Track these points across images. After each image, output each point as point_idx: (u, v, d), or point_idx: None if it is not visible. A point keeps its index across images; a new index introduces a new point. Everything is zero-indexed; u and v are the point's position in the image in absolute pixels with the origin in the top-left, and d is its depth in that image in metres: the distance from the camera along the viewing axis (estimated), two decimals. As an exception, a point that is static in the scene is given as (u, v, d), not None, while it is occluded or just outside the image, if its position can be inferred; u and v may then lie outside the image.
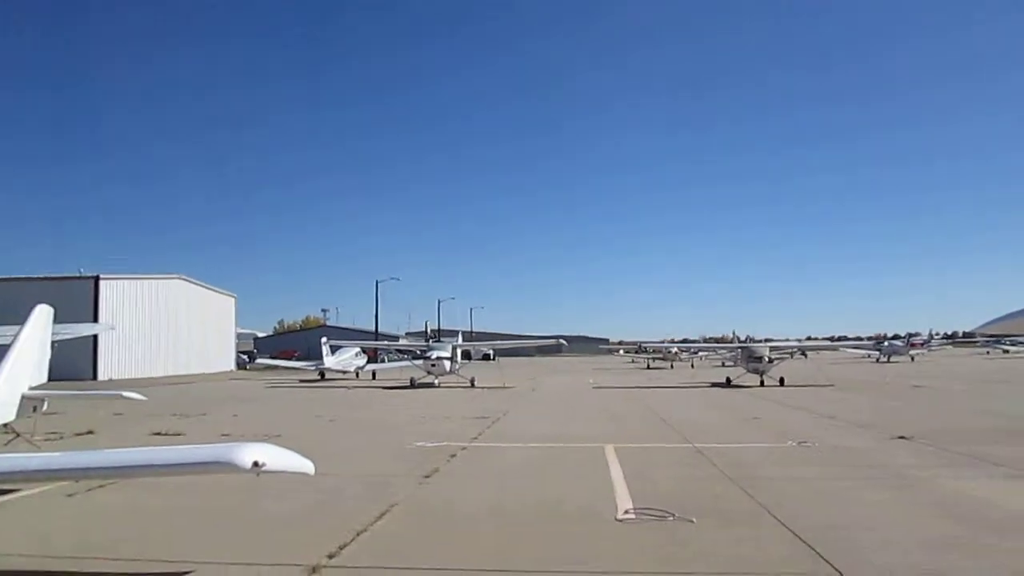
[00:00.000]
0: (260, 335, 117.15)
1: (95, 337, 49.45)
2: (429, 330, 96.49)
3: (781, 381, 35.41)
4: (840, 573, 6.40)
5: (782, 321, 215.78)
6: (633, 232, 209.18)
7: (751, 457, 13.29)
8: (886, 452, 13.77)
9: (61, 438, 16.35)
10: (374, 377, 48.89)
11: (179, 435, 17.43)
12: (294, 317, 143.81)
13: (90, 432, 17.67)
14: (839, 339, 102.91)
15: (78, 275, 55.57)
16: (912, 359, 71.97)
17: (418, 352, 44.61)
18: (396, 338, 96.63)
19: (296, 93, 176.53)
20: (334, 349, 50.73)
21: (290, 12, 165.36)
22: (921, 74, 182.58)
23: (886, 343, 78.62)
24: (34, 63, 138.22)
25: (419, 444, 15.40)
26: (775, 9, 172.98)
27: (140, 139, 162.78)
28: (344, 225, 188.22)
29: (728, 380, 37.39)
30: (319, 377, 48.95)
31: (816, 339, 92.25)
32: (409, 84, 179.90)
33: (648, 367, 68.15)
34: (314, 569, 6.65)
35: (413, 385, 38.43)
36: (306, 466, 6.08)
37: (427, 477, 11.55)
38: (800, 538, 7.51)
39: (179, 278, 64.74)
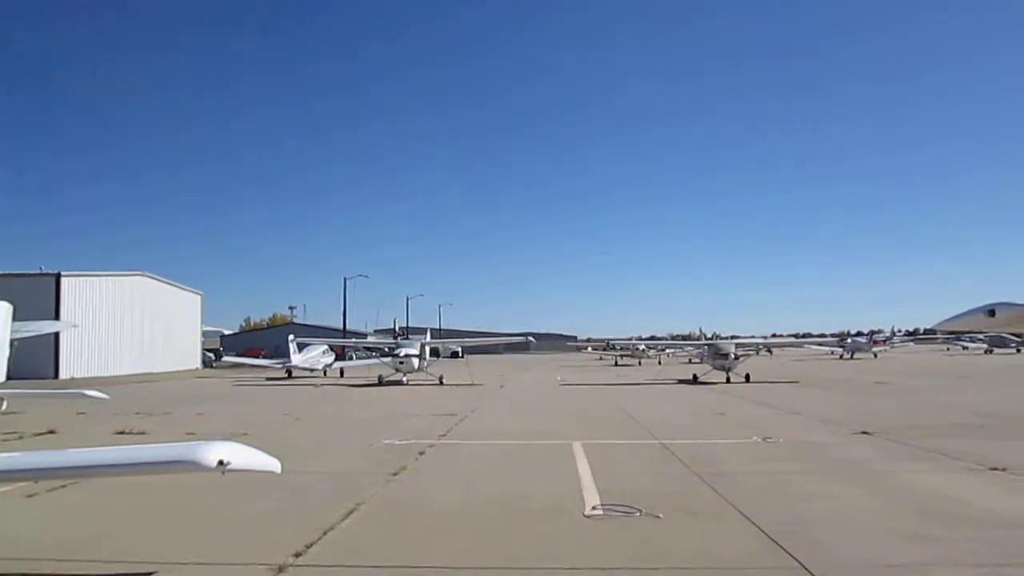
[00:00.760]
0: (227, 333, 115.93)
1: (56, 335, 48.69)
2: (397, 327, 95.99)
3: (747, 378, 35.79)
4: (804, 567, 6.49)
5: (748, 318, 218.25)
6: (601, 230, 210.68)
7: (717, 453, 13.41)
8: (849, 447, 13.98)
9: (21, 438, 16.05)
10: (342, 375, 48.61)
11: (143, 434, 17.19)
12: (261, 315, 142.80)
13: (51, 432, 17.35)
14: (804, 336, 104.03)
15: (39, 272, 54.63)
16: (875, 356, 73.03)
17: (386, 350, 44.45)
18: (364, 335, 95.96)
19: (263, 91, 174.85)
20: (301, 347, 50.42)
21: (264, 5, 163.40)
22: (884, 63, 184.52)
23: (849, 340, 79.68)
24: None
25: (387, 442, 15.35)
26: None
27: (105, 136, 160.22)
28: (312, 222, 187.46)
29: (695, 377, 37.72)
30: (286, 375, 48.51)
31: (781, 336, 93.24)
32: (375, 81, 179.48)
33: (616, 364, 68.48)
34: (280, 568, 6.60)
35: (381, 383, 38.23)
36: (272, 464, 6.02)
37: (395, 475, 11.52)
38: (765, 533, 7.60)
39: (143, 275, 63.94)
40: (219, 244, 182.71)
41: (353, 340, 70.54)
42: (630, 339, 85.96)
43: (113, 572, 6.73)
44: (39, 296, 49.02)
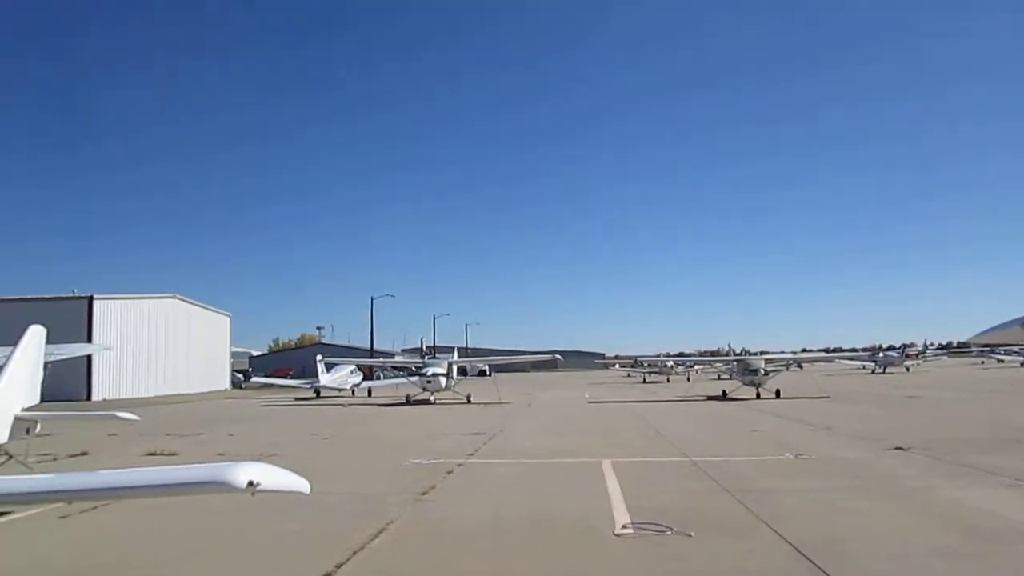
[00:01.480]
0: (255, 354, 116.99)
1: (89, 357, 49.34)
2: (424, 347, 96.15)
3: (777, 393, 35.40)
4: (839, 585, 6.38)
5: (777, 334, 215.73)
6: (629, 247, 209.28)
7: (748, 470, 13.26)
8: (883, 463, 13.76)
9: (55, 459, 16.25)
10: (370, 394, 48.70)
11: (174, 455, 17.32)
12: (289, 335, 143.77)
13: (84, 453, 17.57)
14: (834, 351, 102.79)
15: (72, 295, 55.48)
16: (907, 370, 71.96)
17: (414, 369, 44.45)
18: (391, 355, 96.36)
19: (291, 110, 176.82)
20: (329, 367, 50.63)
21: (289, 27, 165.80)
22: (915, 77, 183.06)
23: (881, 354, 78.61)
24: (31, 81, 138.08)
25: (415, 461, 15.34)
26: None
27: (135, 157, 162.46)
28: (339, 242, 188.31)
29: (724, 393, 37.35)
30: (315, 395, 48.74)
31: (811, 351, 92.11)
32: (402, 98, 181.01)
33: (644, 381, 68.03)
34: (310, 589, 6.61)
35: (409, 402, 38.24)
36: (302, 485, 6.00)
37: (424, 494, 11.50)
38: (799, 551, 7.48)
39: (174, 297, 64.69)
40: (247, 265, 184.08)
41: (380, 360, 70.81)
42: (658, 355, 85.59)
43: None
44: (72, 319, 49.71)
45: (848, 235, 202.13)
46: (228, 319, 74.13)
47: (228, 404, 45.24)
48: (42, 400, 12.87)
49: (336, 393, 48.61)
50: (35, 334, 12.58)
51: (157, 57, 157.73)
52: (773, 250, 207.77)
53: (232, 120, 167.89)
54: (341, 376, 50.35)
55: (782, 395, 35.02)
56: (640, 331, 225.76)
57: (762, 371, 36.83)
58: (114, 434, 21.99)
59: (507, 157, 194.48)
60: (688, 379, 63.47)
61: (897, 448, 15.54)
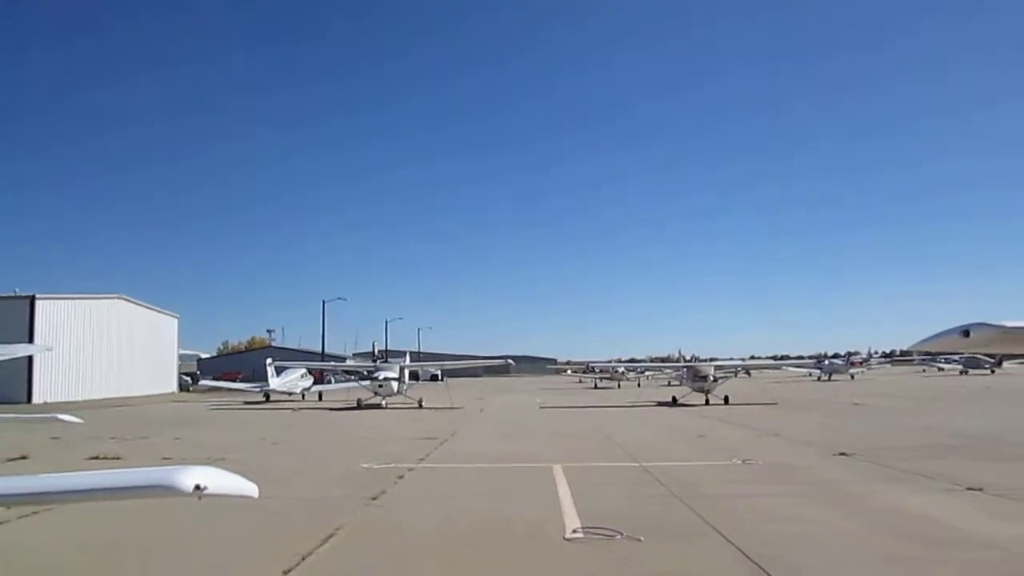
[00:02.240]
0: (204, 356, 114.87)
1: (30, 359, 47.94)
2: (376, 351, 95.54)
3: (726, 400, 35.88)
4: (784, 588, 6.51)
5: (727, 340, 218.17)
6: (581, 252, 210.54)
7: (697, 475, 13.43)
8: (828, 469, 14.06)
9: (-8, 464, 15.79)
10: (320, 398, 48.21)
11: (118, 459, 16.95)
12: (239, 338, 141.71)
13: (24, 457, 17.07)
14: (782, 358, 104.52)
15: (13, 295, 53.94)
16: (852, 377, 73.44)
17: (365, 373, 44.11)
18: (343, 359, 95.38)
19: (240, 116, 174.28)
20: (279, 370, 50.06)
21: (244, 26, 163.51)
22: (861, 83, 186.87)
23: (827, 362, 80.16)
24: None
25: (366, 466, 15.24)
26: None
27: (83, 163, 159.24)
28: (290, 245, 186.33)
29: (674, 399, 37.76)
30: (264, 399, 48.06)
31: (760, 358, 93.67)
32: (350, 108, 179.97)
33: (595, 387, 68.54)
34: (258, 594, 6.53)
35: (360, 406, 37.93)
36: (250, 489, 5.93)
37: (374, 499, 11.43)
38: (745, 554, 7.61)
39: (119, 298, 63.27)
40: (196, 267, 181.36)
41: (332, 363, 70.07)
42: (609, 362, 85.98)
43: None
44: (12, 319, 48.50)
45: (796, 241, 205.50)
46: (176, 321, 72.73)
47: (175, 407, 44.40)
48: (-20, 402, 12.52)
49: (286, 397, 48.02)
50: (-26, 334, 12.23)
51: (107, 66, 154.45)
52: (723, 255, 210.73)
53: (181, 122, 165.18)
54: (291, 380, 49.76)
55: (731, 401, 35.50)
56: (592, 337, 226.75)
57: (711, 377, 37.33)
58: (56, 438, 21.43)
59: (460, 162, 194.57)
60: (639, 385, 64.14)
61: (841, 454, 15.88)
